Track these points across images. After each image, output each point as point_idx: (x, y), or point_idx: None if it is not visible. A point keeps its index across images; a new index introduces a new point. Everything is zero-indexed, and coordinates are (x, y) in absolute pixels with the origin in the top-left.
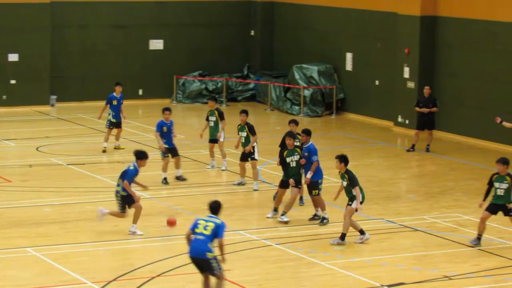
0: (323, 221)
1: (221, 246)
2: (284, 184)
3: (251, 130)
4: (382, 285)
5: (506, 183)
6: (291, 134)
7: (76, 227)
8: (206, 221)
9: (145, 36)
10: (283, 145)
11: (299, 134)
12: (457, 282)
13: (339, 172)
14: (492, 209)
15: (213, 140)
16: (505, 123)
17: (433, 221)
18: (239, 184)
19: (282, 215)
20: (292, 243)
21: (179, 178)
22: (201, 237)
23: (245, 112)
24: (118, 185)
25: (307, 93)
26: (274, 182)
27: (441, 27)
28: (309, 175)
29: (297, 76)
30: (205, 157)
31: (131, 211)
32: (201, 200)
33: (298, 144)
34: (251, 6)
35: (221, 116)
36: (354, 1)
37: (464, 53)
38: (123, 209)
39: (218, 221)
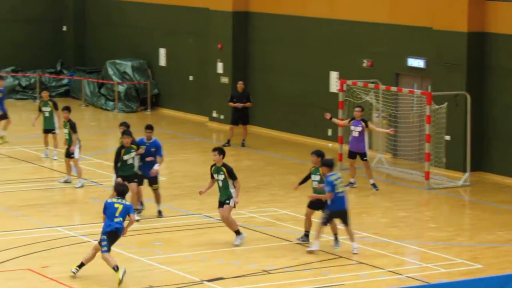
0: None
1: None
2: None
3: (73, 128)
4: (202, 280)
5: (318, 174)
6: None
7: None
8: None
9: None
10: None
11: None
12: (276, 276)
13: (214, 166)
14: (314, 205)
15: (48, 130)
16: (334, 120)
17: (250, 215)
18: (66, 182)
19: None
20: None
21: None
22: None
23: (67, 108)
24: None
25: (121, 88)
26: (91, 178)
27: (254, 23)
28: (157, 167)
29: (110, 72)
30: (21, 153)
31: None
32: (18, 197)
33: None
34: (63, 1)
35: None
36: None
37: (276, 48)
38: None
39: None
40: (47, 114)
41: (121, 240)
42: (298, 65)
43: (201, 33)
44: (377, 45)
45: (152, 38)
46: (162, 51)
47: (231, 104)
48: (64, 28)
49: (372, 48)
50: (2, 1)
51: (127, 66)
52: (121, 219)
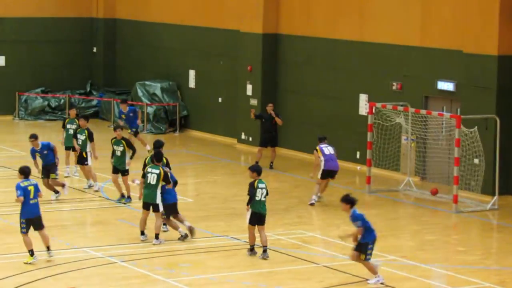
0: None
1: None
2: None
3: (90, 137)
4: None
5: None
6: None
7: None
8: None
9: None
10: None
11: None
12: None
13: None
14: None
15: (69, 148)
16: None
17: (277, 238)
18: (90, 186)
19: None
20: (137, 260)
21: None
22: None
23: (84, 117)
24: None
25: (150, 110)
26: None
27: (283, 45)
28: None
29: (140, 93)
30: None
31: None
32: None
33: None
34: (93, 22)
35: (90, 137)
36: (197, 19)
37: (305, 71)
38: None
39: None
40: (70, 132)
41: (147, 262)
42: (327, 87)
43: (231, 55)
44: (407, 68)
45: (181, 60)
46: (192, 73)
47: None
48: (94, 49)
49: (402, 71)
50: (33, 22)
51: (156, 87)
52: (36, 200)
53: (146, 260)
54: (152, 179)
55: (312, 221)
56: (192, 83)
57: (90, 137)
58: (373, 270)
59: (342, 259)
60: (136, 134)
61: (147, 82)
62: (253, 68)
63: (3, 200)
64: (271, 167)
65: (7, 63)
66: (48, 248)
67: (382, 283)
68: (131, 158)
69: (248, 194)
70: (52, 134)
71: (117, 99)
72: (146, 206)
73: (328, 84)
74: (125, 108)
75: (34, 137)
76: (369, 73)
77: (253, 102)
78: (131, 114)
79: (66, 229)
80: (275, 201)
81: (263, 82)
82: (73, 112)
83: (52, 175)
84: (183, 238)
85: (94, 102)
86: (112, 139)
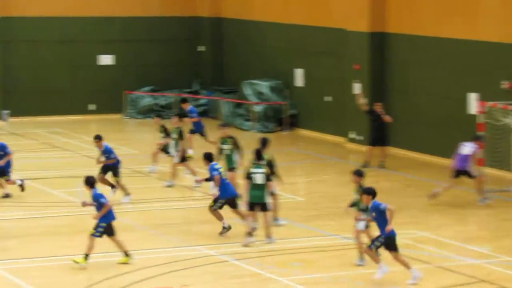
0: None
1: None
2: None
3: (181, 135)
4: None
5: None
6: None
7: (34, 242)
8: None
9: (94, 51)
10: None
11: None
12: None
13: None
14: None
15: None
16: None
17: None
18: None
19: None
20: (249, 258)
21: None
22: None
23: (179, 115)
24: None
25: (258, 108)
26: None
27: (391, 44)
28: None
29: (247, 92)
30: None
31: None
32: (160, 216)
33: None
34: (199, 22)
35: (181, 135)
36: (303, 17)
37: (413, 69)
38: None
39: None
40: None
41: (260, 260)
42: (436, 86)
43: (338, 54)
44: None
45: (288, 58)
46: (299, 72)
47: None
48: (201, 48)
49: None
50: (140, 21)
51: (264, 86)
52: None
53: (258, 258)
54: (258, 179)
55: (425, 221)
56: (299, 82)
57: (181, 135)
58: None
59: (455, 259)
60: (193, 132)
61: (254, 81)
62: (360, 67)
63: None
64: (381, 166)
65: (117, 62)
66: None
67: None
68: (238, 156)
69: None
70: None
71: (224, 97)
72: (253, 207)
73: (436, 83)
74: (186, 106)
75: (99, 138)
76: (479, 71)
77: (362, 101)
78: (193, 114)
79: (177, 228)
80: (387, 200)
81: (370, 81)
82: (157, 120)
83: (116, 178)
84: (226, 231)
85: (202, 101)
86: (220, 137)
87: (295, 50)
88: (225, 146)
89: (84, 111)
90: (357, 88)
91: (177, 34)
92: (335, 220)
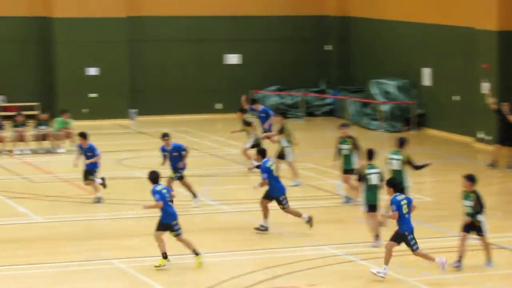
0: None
1: None
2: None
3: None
4: None
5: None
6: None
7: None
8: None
9: (221, 51)
10: None
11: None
12: None
13: None
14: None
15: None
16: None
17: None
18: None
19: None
20: (376, 259)
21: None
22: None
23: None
24: None
25: (386, 108)
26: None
27: None
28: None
29: (374, 91)
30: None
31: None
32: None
33: None
34: (325, 20)
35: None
36: (431, 16)
37: None
38: None
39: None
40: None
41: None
42: None
43: (466, 53)
44: None
45: (416, 57)
46: (426, 71)
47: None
48: (327, 47)
49: None
50: (266, 20)
51: (391, 85)
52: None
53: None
54: (374, 179)
55: None
56: (426, 81)
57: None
58: (387, 259)
59: None
60: (267, 137)
61: (381, 80)
62: (489, 65)
63: (242, 197)
64: (509, 166)
65: (243, 61)
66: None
67: (383, 277)
68: (358, 157)
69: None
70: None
71: (351, 97)
72: (372, 208)
73: None
74: (258, 107)
75: (167, 135)
76: None
77: (491, 101)
78: (263, 115)
79: (301, 227)
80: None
81: (499, 81)
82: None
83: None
84: (262, 230)
85: (329, 100)
86: (339, 137)
87: (423, 48)
88: (344, 146)
89: (211, 110)
90: (485, 87)
91: (304, 33)
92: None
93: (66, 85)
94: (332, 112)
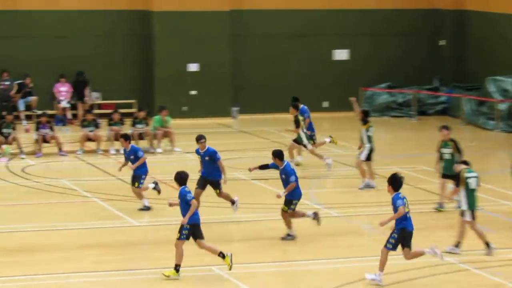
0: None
1: None
2: None
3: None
4: None
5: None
6: None
7: (261, 245)
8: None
9: (328, 46)
10: None
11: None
12: None
13: None
14: None
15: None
16: None
17: None
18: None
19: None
20: (490, 268)
21: None
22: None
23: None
24: None
25: (503, 107)
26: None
27: None
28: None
29: (491, 89)
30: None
31: None
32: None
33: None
34: (440, 14)
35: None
36: None
37: None
38: None
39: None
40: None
41: (502, 270)
42: None
43: None
44: None
45: None
46: None
47: None
48: (442, 42)
49: None
50: (376, 13)
51: (509, 83)
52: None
53: (500, 268)
54: (473, 183)
55: None
56: None
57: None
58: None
59: None
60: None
61: (498, 77)
62: None
63: (349, 201)
64: None
65: (351, 57)
66: None
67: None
68: (458, 161)
69: None
70: (397, 132)
71: (466, 95)
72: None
73: None
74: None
75: (202, 138)
76: None
77: None
78: (305, 115)
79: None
80: None
81: None
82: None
83: (216, 190)
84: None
85: (443, 98)
86: (441, 140)
87: None
88: (446, 150)
89: (317, 108)
90: None
91: (416, 28)
92: None
93: (165, 82)
94: (445, 111)
